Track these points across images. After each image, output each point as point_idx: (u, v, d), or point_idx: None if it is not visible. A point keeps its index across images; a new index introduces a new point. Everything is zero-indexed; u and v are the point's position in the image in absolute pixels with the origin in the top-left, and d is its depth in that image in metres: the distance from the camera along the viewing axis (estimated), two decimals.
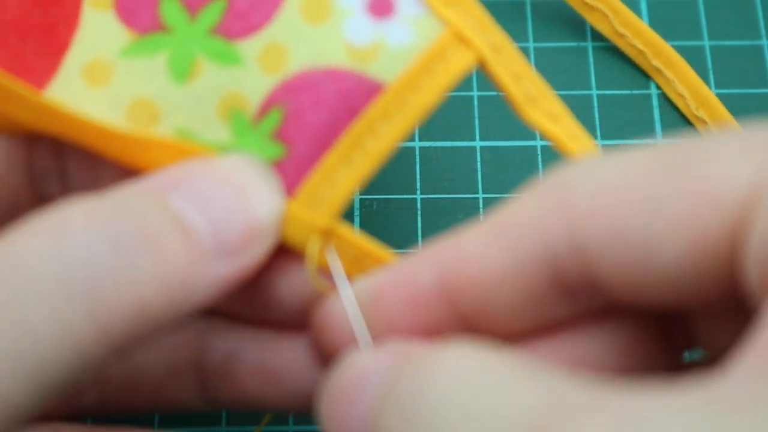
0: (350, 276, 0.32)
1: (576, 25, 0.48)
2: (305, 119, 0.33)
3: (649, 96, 0.47)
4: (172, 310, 0.29)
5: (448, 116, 0.46)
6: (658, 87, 0.47)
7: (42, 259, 0.28)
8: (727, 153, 0.25)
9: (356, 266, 0.33)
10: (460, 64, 0.33)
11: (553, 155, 0.44)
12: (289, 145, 0.33)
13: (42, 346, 0.27)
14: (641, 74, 0.47)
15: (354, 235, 0.32)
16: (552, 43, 0.48)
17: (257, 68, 0.33)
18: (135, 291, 0.29)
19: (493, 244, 0.27)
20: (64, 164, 0.35)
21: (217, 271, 0.30)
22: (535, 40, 0.48)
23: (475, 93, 0.47)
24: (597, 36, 0.48)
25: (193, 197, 0.31)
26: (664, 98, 0.47)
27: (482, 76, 0.37)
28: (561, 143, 0.32)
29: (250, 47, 0.33)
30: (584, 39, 0.48)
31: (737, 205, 0.24)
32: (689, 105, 0.46)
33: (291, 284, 0.33)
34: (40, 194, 0.35)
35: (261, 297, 0.34)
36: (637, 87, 0.47)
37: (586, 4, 0.47)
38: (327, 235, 0.32)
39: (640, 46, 0.47)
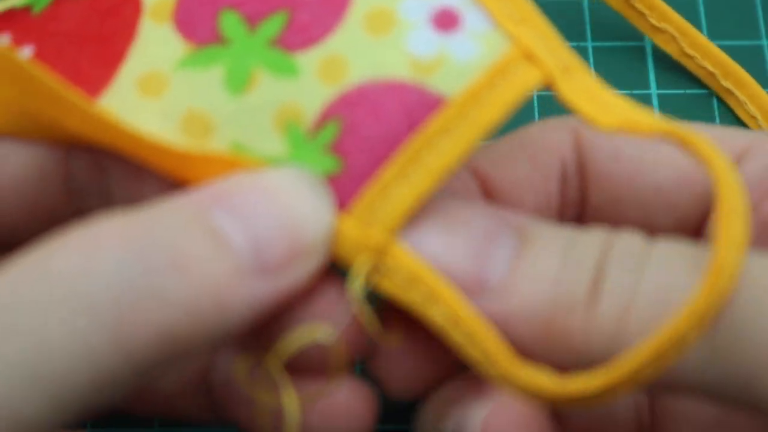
0: (398, 300, 0.31)
1: (576, 25, 0.49)
2: (363, 132, 0.32)
3: (649, 95, 0.47)
4: (204, 333, 0.28)
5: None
6: (658, 87, 0.47)
7: (68, 277, 0.27)
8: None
9: (407, 290, 0.31)
10: (526, 81, 0.31)
11: None
12: (345, 158, 0.32)
13: (59, 364, 0.27)
14: (639, 75, 0.47)
15: (408, 257, 0.31)
16: None
17: (315, 79, 0.32)
18: (163, 314, 0.28)
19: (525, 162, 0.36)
20: (105, 177, 0.34)
21: (256, 290, 0.29)
22: None
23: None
24: (597, 36, 0.48)
25: (236, 212, 0.30)
26: (660, 99, 0.47)
27: None
28: (640, 128, 0.31)
29: (309, 59, 0.33)
30: (584, 39, 0.48)
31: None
32: (760, 125, 0.45)
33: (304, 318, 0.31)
34: (79, 207, 0.35)
35: (275, 329, 0.32)
36: (637, 87, 0.47)
37: (653, 26, 0.46)
38: (379, 254, 0.31)
39: (710, 68, 0.46)
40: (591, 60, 0.47)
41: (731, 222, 0.28)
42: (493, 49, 0.32)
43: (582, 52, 0.48)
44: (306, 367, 0.32)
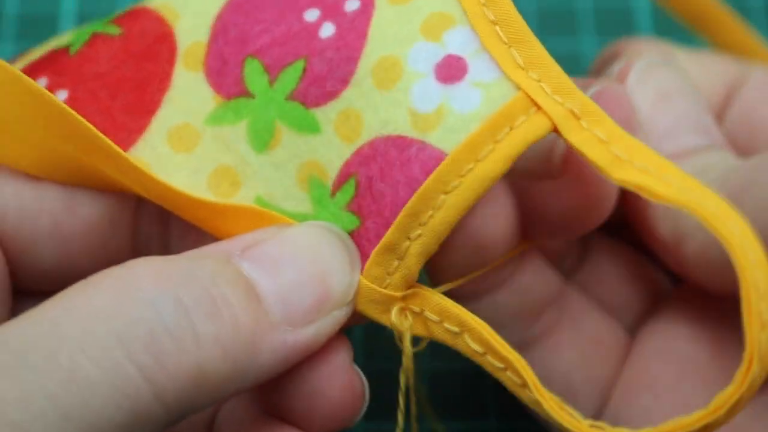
0: (431, 337, 0.32)
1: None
2: (374, 191, 0.32)
3: None
4: (234, 376, 0.29)
5: None
6: None
7: (103, 313, 0.28)
8: None
9: (434, 327, 0.32)
10: (530, 131, 0.31)
11: None
12: (361, 217, 0.32)
13: (92, 401, 0.27)
14: None
15: (431, 294, 0.32)
16: None
17: (336, 137, 0.33)
18: (196, 352, 0.28)
19: None
20: (168, 230, 0.35)
21: (283, 338, 0.30)
22: None
23: None
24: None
25: (265, 263, 0.30)
26: None
27: None
28: (650, 193, 0.30)
29: (327, 114, 0.33)
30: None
31: None
32: None
33: (317, 384, 0.32)
34: (143, 241, 0.35)
35: (289, 387, 0.32)
36: None
37: None
38: (403, 300, 0.32)
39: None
40: None
41: (755, 305, 0.28)
42: (496, 99, 0.31)
43: None
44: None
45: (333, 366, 0.32)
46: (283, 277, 0.31)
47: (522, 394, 0.31)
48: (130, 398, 0.27)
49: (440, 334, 0.32)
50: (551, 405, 0.31)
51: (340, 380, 0.32)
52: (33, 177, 0.35)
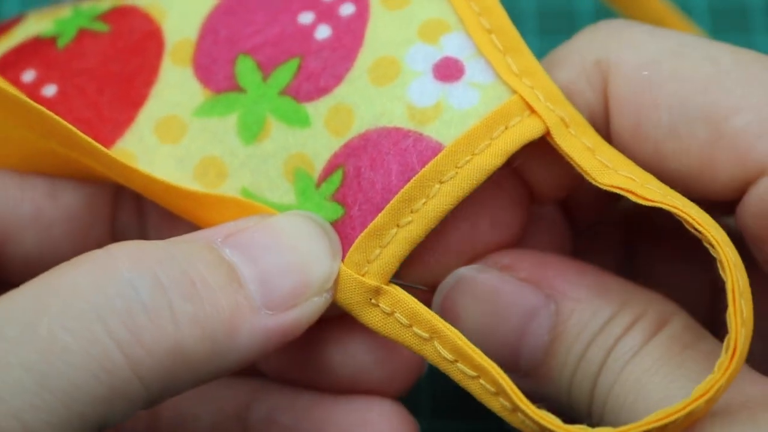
0: (397, 340, 0.32)
1: None
2: (362, 180, 0.32)
3: None
4: (213, 357, 0.29)
5: None
6: None
7: (84, 290, 0.28)
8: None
9: (402, 331, 0.32)
10: (524, 131, 0.32)
11: None
12: (346, 206, 0.33)
13: (72, 372, 0.27)
14: None
15: (404, 297, 0.32)
16: None
17: (325, 130, 0.33)
18: (172, 331, 0.29)
19: None
20: (144, 221, 0.36)
21: (263, 322, 0.30)
22: None
23: None
24: None
25: (246, 249, 0.31)
26: None
27: None
28: (638, 197, 0.31)
29: (319, 109, 0.34)
30: None
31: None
32: None
33: (345, 353, 0.33)
34: (121, 230, 0.36)
35: (314, 362, 0.34)
36: None
37: None
38: (376, 296, 0.32)
39: None
40: None
41: (740, 306, 0.29)
42: (492, 99, 0.32)
43: None
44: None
45: None
46: (263, 263, 0.31)
47: (493, 403, 0.31)
48: (107, 371, 0.28)
49: (407, 339, 0.32)
50: (532, 410, 0.30)
51: None
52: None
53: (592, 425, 0.30)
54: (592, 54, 0.33)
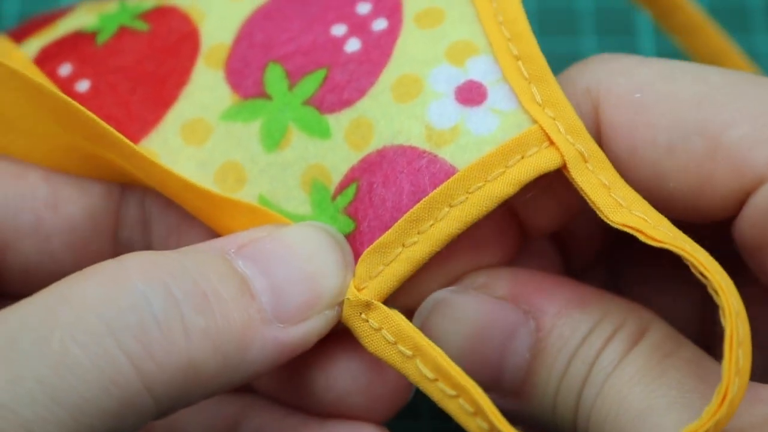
0: (381, 357, 0.32)
1: None
2: (373, 196, 0.32)
3: None
4: (224, 371, 0.29)
5: None
6: None
7: (96, 302, 0.28)
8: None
9: (387, 348, 0.32)
10: (541, 162, 0.32)
11: None
12: (357, 220, 0.33)
13: (83, 386, 0.27)
14: None
15: (392, 314, 0.32)
16: None
17: (344, 143, 0.33)
18: (185, 345, 0.29)
19: None
20: (149, 235, 0.36)
21: (275, 335, 0.30)
22: None
23: None
24: None
25: (259, 261, 0.31)
26: None
27: None
28: (647, 237, 0.31)
29: (340, 121, 0.34)
30: None
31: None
32: None
33: (328, 379, 0.33)
34: (124, 243, 0.36)
35: (300, 385, 0.33)
36: None
37: None
38: (366, 310, 0.32)
39: None
40: None
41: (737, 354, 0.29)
42: (512, 127, 0.32)
43: None
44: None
45: None
46: (276, 275, 0.31)
47: (470, 423, 0.31)
48: (118, 385, 0.28)
49: (391, 356, 0.32)
50: (510, 431, 0.30)
51: None
52: (15, 173, 0.35)
53: None
54: (583, 83, 0.33)
